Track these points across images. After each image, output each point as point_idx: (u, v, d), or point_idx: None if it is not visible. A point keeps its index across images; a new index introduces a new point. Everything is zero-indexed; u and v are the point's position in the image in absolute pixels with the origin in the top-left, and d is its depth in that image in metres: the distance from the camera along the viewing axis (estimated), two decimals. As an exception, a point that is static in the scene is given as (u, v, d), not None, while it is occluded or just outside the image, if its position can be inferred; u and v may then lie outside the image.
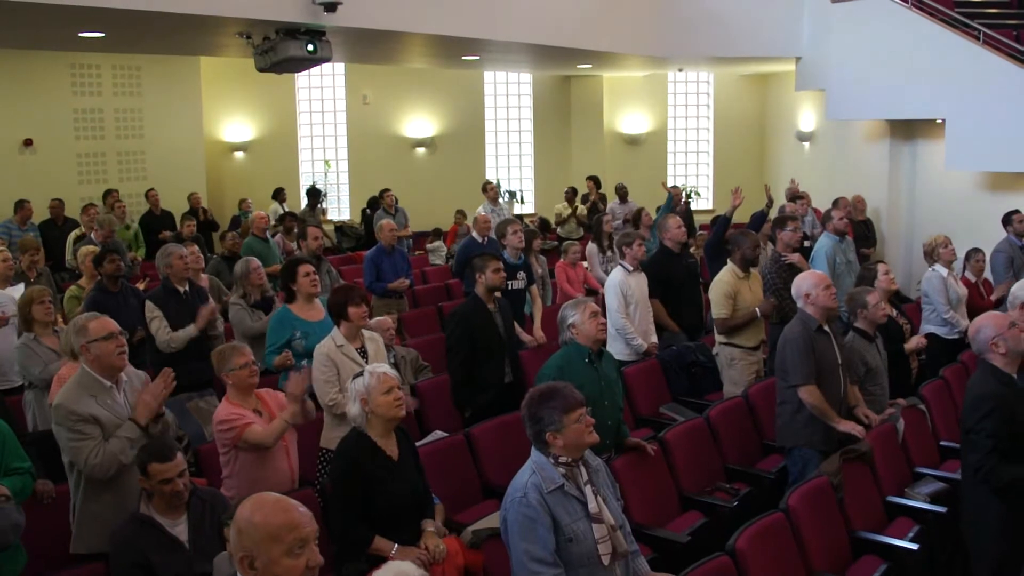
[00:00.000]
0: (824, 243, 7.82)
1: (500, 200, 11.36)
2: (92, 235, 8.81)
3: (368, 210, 12.83)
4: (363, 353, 5.01)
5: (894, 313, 6.17)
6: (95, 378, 3.93)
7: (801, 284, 5.03)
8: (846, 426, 4.82)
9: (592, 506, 3.17)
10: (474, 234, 8.97)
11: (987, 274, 7.88)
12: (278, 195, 12.93)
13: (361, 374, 3.93)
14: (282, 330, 5.55)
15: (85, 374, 3.95)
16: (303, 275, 5.67)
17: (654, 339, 6.81)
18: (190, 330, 5.82)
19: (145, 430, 3.88)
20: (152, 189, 11.55)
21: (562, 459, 3.17)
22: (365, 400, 3.84)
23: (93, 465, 3.78)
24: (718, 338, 6.46)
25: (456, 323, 5.75)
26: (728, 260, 6.52)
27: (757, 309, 6.29)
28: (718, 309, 6.32)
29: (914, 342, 6.15)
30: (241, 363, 4.32)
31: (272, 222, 11.03)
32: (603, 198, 13.47)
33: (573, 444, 3.16)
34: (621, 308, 6.54)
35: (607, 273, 7.57)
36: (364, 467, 3.81)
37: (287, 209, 12.29)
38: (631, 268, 6.70)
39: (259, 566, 2.26)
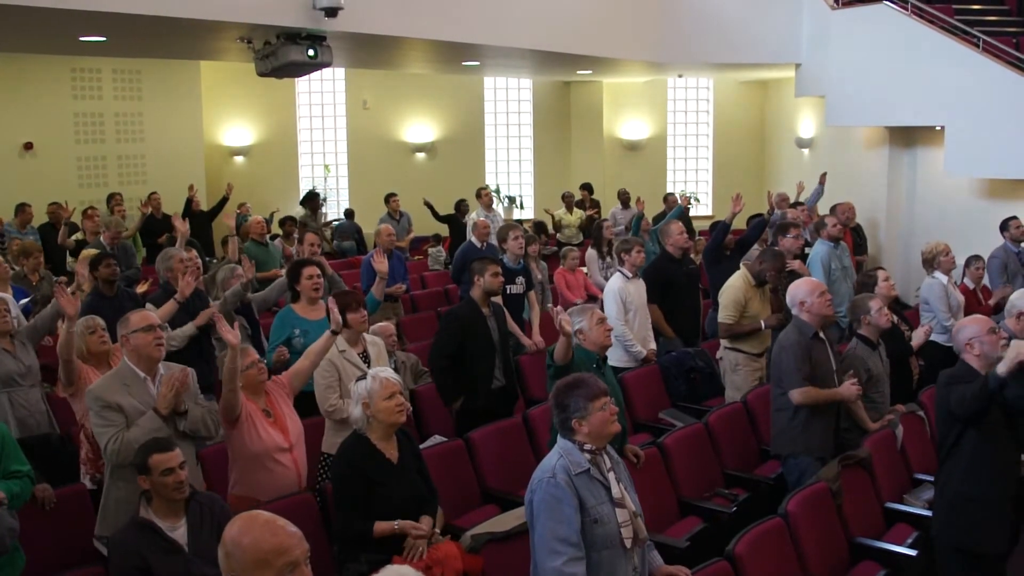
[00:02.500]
0: (819, 249, 7.83)
1: (494, 206, 11.37)
2: (101, 238, 8.84)
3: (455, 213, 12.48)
4: (365, 358, 5.02)
5: (895, 319, 6.16)
6: (132, 369, 4.14)
7: (796, 292, 4.99)
8: (846, 390, 4.78)
9: (616, 491, 3.24)
10: (473, 239, 8.96)
11: (986, 281, 7.89)
12: (309, 202, 12.82)
13: (364, 377, 3.95)
14: (282, 328, 5.63)
15: (124, 365, 4.19)
16: (306, 277, 5.71)
17: (652, 346, 6.80)
18: (188, 328, 5.83)
19: (166, 420, 4.00)
20: (155, 193, 11.55)
21: (587, 447, 3.23)
22: (367, 404, 3.86)
23: (112, 451, 3.97)
24: (723, 343, 6.43)
25: (448, 322, 5.79)
26: (741, 264, 6.49)
27: (763, 322, 6.23)
28: (724, 314, 6.26)
29: (922, 333, 6.07)
30: (247, 363, 4.39)
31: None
32: (595, 204, 13.60)
33: (597, 431, 3.22)
34: (620, 315, 6.53)
35: (606, 279, 7.57)
36: (363, 470, 3.83)
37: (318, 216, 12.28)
38: (630, 275, 6.70)
39: None
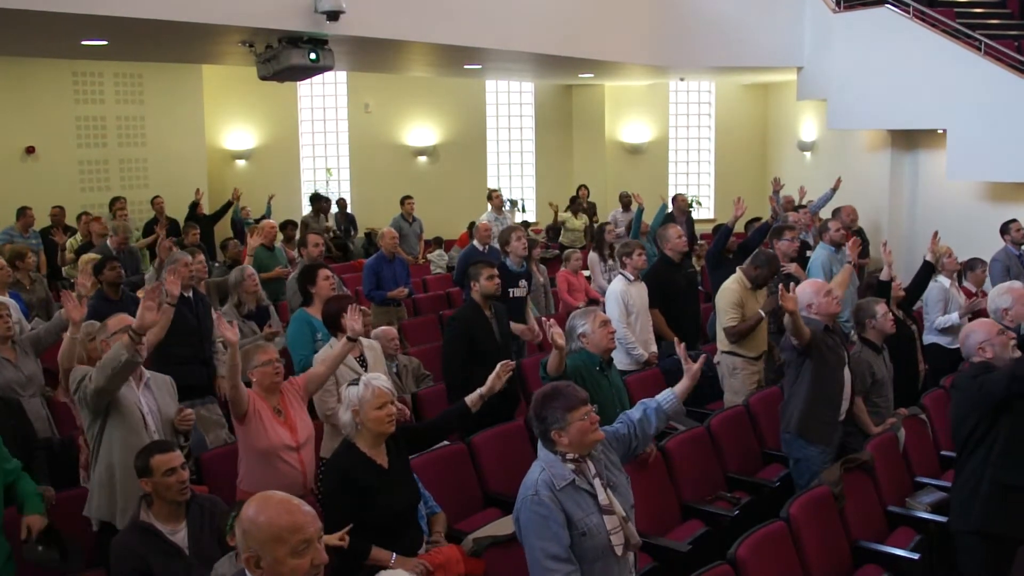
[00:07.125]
0: (820, 254, 7.82)
1: (504, 209, 11.37)
2: (108, 242, 8.84)
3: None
4: (362, 362, 5.01)
5: (900, 315, 6.16)
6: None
7: (802, 296, 4.99)
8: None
9: (603, 499, 3.19)
10: (475, 242, 8.97)
11: (987, 284, 7.89)
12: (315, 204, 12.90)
13: (356, 382, 3.88)
14: (303, 334, 5.52)
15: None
16: (323, 278, 5.70)
17: (654, 348, 6.79)
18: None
19: (137, 345, 3.94)
20: (158, 196, 11.57)
21: (569, 456, 3.19)
22: (357, 411, 3.79)
23: (100, 367, 3.92)
24: (720, 347, 6.43)
25: (453, 327, 5.77)
26: (737, 268, 6.49)
27: (761, 311, 6.20)
28: (726, 317, 6.26)
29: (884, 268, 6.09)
30: (264, 360, 4.37)
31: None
32: (592, 207, 13.68)
33: (578, 441, 3.17)
34: (622, 317, 6.52)
35: (608, 282, 7.56)
36: (355, 479, 3.75)
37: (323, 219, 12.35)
38: (632, 278, 6.70)
39: (265, 565, 2.29)
